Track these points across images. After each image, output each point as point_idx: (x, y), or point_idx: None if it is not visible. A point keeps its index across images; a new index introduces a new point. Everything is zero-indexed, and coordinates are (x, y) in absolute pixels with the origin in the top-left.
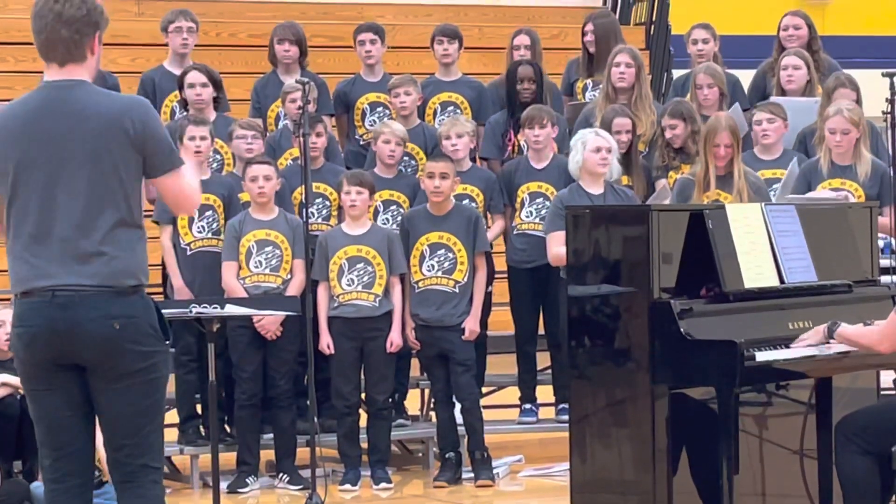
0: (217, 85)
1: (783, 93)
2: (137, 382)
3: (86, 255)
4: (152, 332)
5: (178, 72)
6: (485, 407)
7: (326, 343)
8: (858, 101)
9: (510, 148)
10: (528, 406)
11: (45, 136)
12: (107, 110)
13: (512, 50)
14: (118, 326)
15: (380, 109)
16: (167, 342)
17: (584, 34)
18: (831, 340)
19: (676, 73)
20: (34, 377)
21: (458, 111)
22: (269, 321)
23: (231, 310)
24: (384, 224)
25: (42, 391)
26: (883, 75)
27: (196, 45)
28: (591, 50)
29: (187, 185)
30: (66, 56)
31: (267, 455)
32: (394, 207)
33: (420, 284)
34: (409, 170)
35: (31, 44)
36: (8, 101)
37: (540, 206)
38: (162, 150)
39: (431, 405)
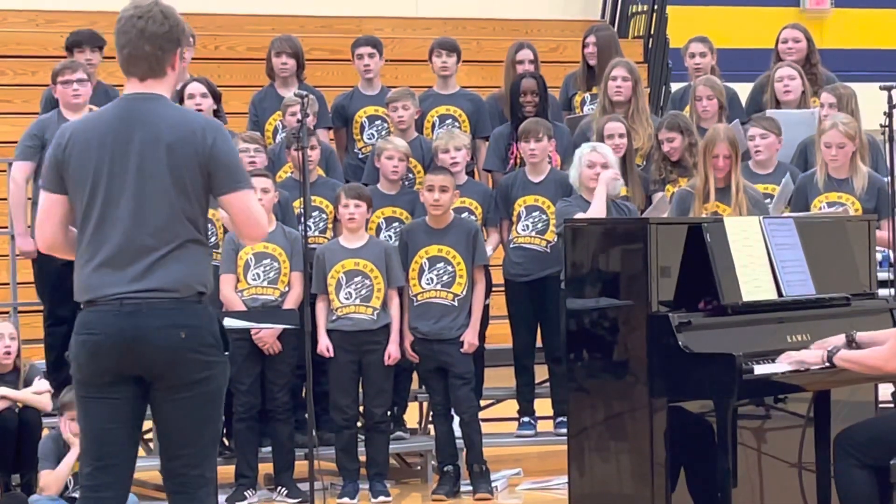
0: (217, 98)
1: (777, 104)
2: (197, 392)
3: (153, 264)
4: (213, 342)
5: (177, 86)
6: (483, 420)
7: (325, 346)
8: (841, 108)
9: (513, 161)
10: (526, 419)
11: (121, 149)
12: (180, 126)
13: (515, 64)
14: (184, 335)
15: (378, 123)
16: (226, 353)
17: (584, 46)
18: (831, 366)
19: (675, 87)
20: (90, 385)
21: (457, 124)
22: (267, 334)
23: (230, 323)
24: (387, 241)
25: (94, 399)
26: (881, 88)
27: (194, 58)
28: (592, 62)
29: (255, 208)
30: (147, 72)
31: (265, 468)
32: (396, 224)
33: (419, 298)
34: (406, 183)
35: (30, 57)
36: (6, 114)
37: (536, 220)
38: (228, 170)
39: (430, 418)
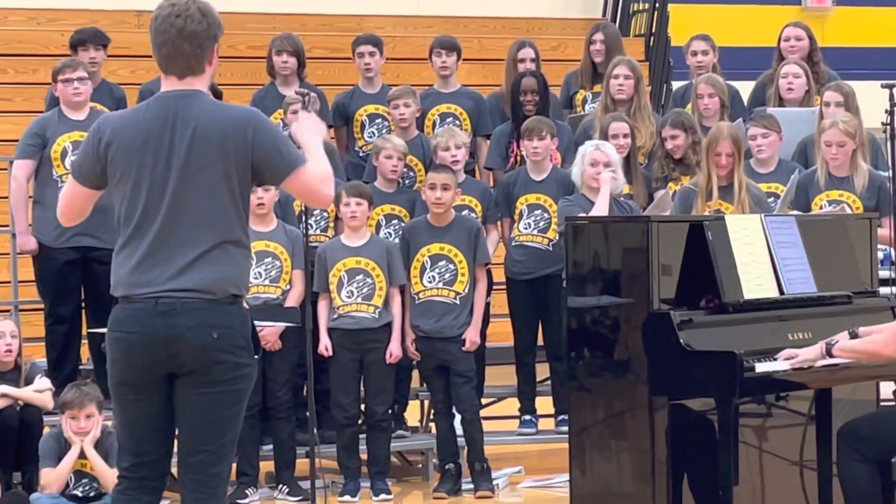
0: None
1: (780, 101)
2: (224, 391)
3: (189, 264)
4: (244, 345)
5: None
6: (484, 418)
7: (325, 345)
8: (848, 107)
9: (513, 159)
10: (527, 417)
11: (164, 147)
12: (222, 122)
13: (516, 62)
14: (216, 335)
15: (378, 121)
16: (256, 357)
17: (591, 43)
18: (830, 358)
19: (676, 85)
20: (125, 383)
21: (458, 122)
22: (270, 332)
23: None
24: (386, 238)
25: (130, 399)
26: (882, 87)
27: None
28: (598, 60)
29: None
30: (186, 70)
31: (266, 466)
32: (395, 222)
33: (420, 296)
34: (407, 181)
35: (30, 55)
36: (7, 112)
37: (538, 218)
38: (276, 159)
39: (431, 416)
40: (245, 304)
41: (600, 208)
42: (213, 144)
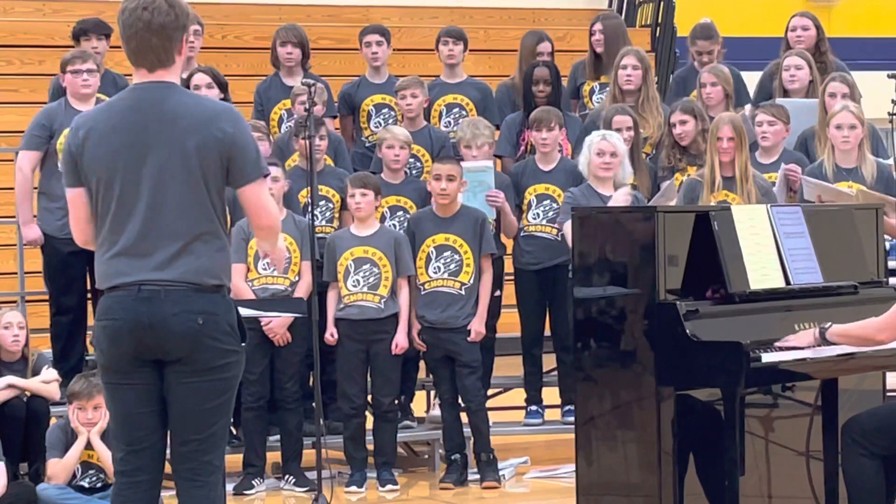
0: (223, 87)
1: (785, 93)
2: (213, 379)
3: (171, 256)
4: (230, 331)
5: (184, 75)
6: (491, 409)
7: (331, 332)
8: (853, 98)
9: (523, 148)
10: (533, 408)
11: (136, 139)
12: (197, 115)
13: (534, 55)
14: (201, 322)
15: (385, 111)
16: (243, 343)
17: (591, 34)
18: (826, 343)
19: None
20: (114, 370)
21: (464, 113)
22: (278, 324)
23: (240, 312)
24: (393, 229)
25: (120, 385)
26: (889, 77)
27: (201, 48)
28: (599, 50)
29: (269, 202)
30: (155, 63)
31: (273, 457)
32: (400, 213)
33: (426, 286)
34: (414, 172)
35: (36, 46)
36: (13, 103)
37: (547, 208)
38: (248, 159)
39: (433, 404)
40: (252, 295)
41: None
42: (191, 137)
